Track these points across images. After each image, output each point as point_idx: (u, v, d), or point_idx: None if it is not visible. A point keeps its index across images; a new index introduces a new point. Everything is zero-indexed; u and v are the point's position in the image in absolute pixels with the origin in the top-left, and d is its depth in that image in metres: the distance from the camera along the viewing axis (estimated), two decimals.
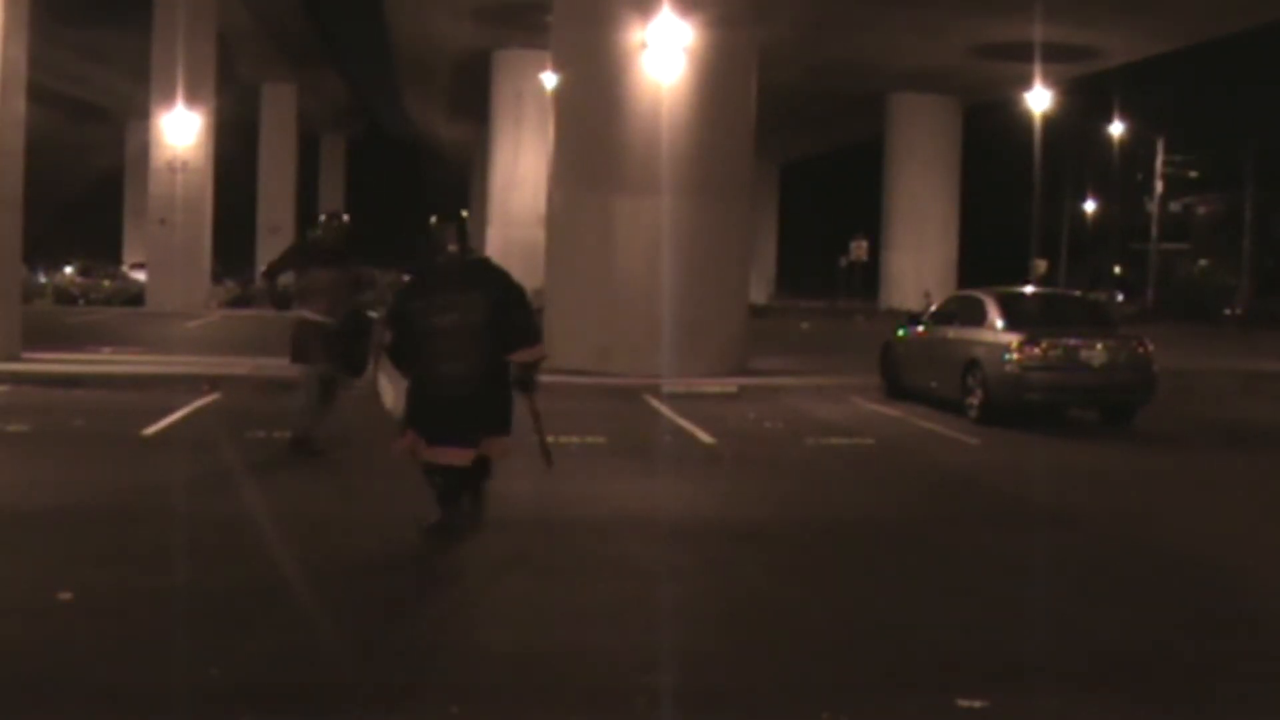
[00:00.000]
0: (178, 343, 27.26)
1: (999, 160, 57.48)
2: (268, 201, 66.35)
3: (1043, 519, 10.46)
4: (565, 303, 22.09)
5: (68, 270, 55.52)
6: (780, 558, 8.72)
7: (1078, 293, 30.19)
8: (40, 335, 23.92)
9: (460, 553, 8.49)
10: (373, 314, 11.77)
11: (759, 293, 56.20)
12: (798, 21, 35.30)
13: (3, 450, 12.84)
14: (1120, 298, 61.14)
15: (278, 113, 65.38)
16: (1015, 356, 16.08)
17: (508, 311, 8.56)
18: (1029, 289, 24.87)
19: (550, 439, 9.23)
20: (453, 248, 8.66)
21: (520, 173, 44.00)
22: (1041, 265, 51.19)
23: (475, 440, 8.56)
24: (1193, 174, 68.59)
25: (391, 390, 8.90)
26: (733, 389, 19.36)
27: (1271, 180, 59.85)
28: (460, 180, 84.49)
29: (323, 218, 13.17)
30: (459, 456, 8.54)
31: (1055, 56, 40.10)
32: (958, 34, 40.39)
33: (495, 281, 8.71)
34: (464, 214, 9.74)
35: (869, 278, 54.43)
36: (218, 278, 51.47)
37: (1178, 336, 32.14)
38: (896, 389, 19.06)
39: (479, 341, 8.48)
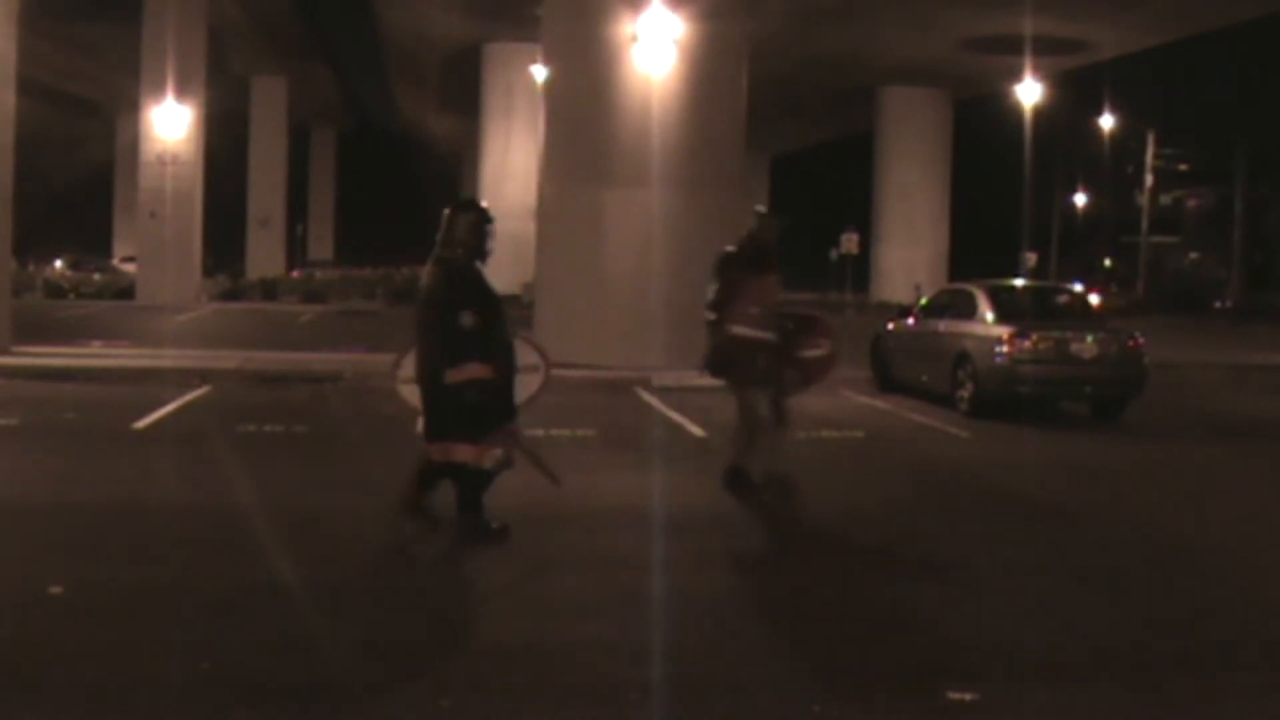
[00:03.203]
0: (168, 336, 27.20)
1: (990, 153, 57.54)
2: (258, 195, 66.20)
3: (1033, 512, 10.49)
4: (555, 296, 22.10)
5: (58, 264, 55.38)
6: (770, 550, 8.73)
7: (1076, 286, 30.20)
8: (30, 329, 23.90)
9: (451, 546, 8.49)
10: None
11: None
12: (788, 14, 35.27)
13: None
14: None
15: (268, 106, 65.23)
16: (1006, 349, 16.11)
17: None
18: (1020, 281, 24.90)
19: (541, 432, 9.21)
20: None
21: (510, 166, 43.98)
22: (1031, 258, 51.28)
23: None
24: (1183, 167, 68.75)
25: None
26: (723, 382, 19.33)
27: (1262, 174, 60.05)
28: (451, 173, 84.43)
29: (760, 209, 11.19)
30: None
31: (1045, 49, 40.12)
32: (948, 27, 40.39)
33: None
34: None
35: (860, 270, 54.41)
36: (209, 271, 51.42)
37: (1168, 329, 32.22)
38: (887, 382, 19.09)
39: None
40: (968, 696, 5.73)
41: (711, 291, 10.32)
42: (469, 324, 8.14)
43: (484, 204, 8.79)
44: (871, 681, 6.03)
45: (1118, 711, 5.71)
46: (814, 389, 11.21)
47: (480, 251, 8.47)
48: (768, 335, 10.07)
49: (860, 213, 53.66)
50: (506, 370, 8.43)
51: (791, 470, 10.13)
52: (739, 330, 10.09)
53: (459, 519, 8.54)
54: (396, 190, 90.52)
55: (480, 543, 8.41)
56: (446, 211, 8.57)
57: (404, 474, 8.61)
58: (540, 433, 13.94)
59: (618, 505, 10.14)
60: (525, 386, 9.19)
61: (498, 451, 8.34)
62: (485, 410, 8.22)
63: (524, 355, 9.23)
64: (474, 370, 8.13)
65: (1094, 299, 33.47)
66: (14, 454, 12.24)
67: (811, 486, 11.54)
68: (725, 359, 10.25)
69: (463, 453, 8.33)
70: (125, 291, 46.31)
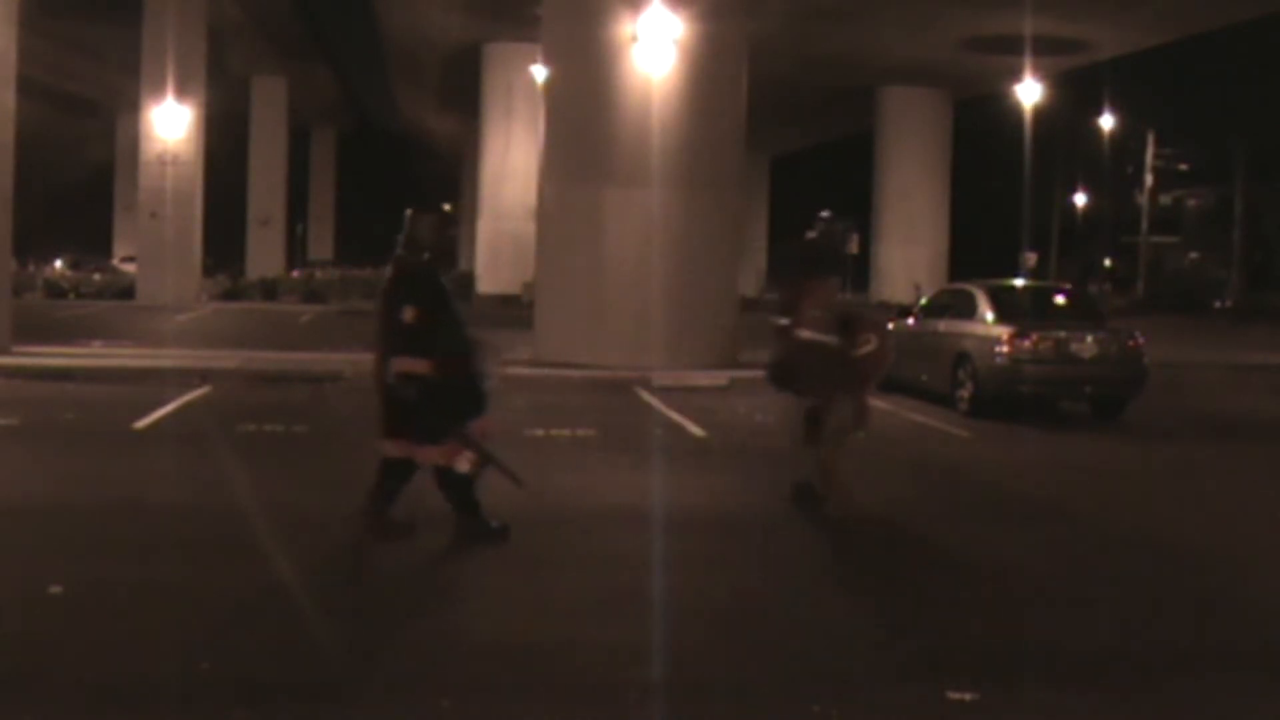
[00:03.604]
0: (168, 336, 27.22)
1: (989, 153, 57.53)
2: (258, 195, 66.25)
3: (1033, 511, 10.49)
4: (555, 296, 22.10)
5: (58, 264, 55.41)
6: (770, 551, 8.73)
7: (1067, 285, 30.19)
8: (31, 329, 23.90)
9: (451, 546, 8.49)
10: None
11: (749, 285, 56.21)
12: (788, 14, 35.24)
13: None
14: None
15: (268, 106, 65.24)
16: (1005, 349, 16.11)
17: None
18: (1019, 281, 24.89)
19: (542, 433, 9.19)
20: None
21: (510, 165, 43.95)
22: (1031, 258, 51.26)
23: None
24: (1183, 167, 68.75)
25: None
26: (723, 382, 19.37)
27: (1262, 173, 60.04)
28: (451, 173, 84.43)
29: (825, 213, 11.15)
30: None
31: (1045, 49, 40.08)
32: (948, 27, 40.35)
33: None
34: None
35: (860, 270, 54.41)
36: (209, 271, 51.44)
37: (1168, 329, 32.21)
38: (887, 382, 19.03)
39: None
40: (968, 696, 5.73)
41: (777, 298, 10.23)
42: (408, 319, 8.13)
43: (446, 207, 8.76)
44: (871, 681, 6.03)
45: (1118, 711, 5.71)
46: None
47: (441, 252, 8.49)
48: (831, 338, 9.88)
49: (860, 213, 53.65)
50: (460, 371, 8.33)
51: (811, 480, 10.03)
52: (807, 335, 9.88)
53: (458, 521, 8.52)
54: (397, 190, 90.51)
55: (481, 542, 8.40)
56: (408, 213, 8.61)
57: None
58: (541, 433, 13.98)
59: (618, 505, 10.14)
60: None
61: (469, 454, 8.27)
62: (428, 409, 8.15)
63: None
64: (409, 365, 8.10)
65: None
66: (14, 454, 12.24)
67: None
68: (793, 366, 10.04)
69: (428, 455, 8.30)
70: (125, 291, 46.35)
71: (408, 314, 8.15)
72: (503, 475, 8.52)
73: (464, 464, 8.29)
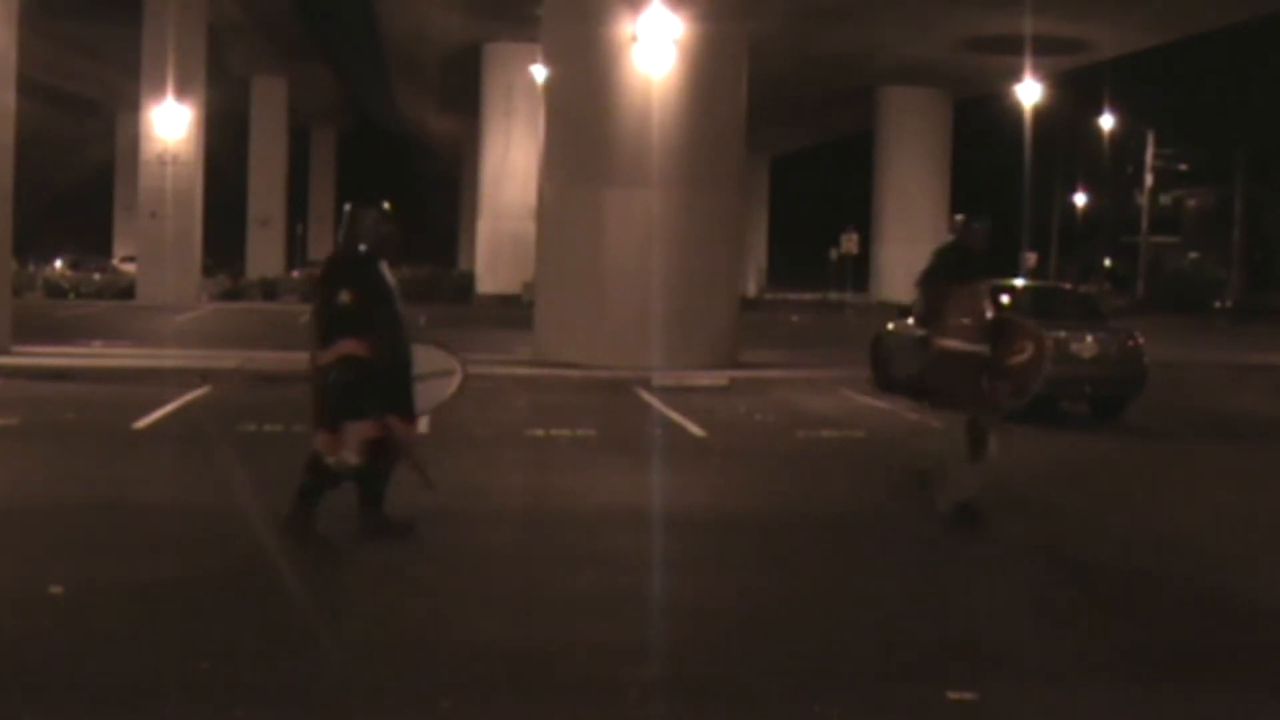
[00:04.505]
0: (168, 336, 27.22)
1: (989, 153, 57.49)
2: (258, 195, 66.26)
3: (1032, 511, 10.48)
4: (555, 295, 22.11)
5: (58, 264, 55.41)
6: (771, 551, 8.73)
7: (1067, 285, 30.22)
8: (31, 329, 23.89)
9: (451, 545, 8.48)
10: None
11: (749, 285, 56.24)
12: (788, 14, 35.27)
13: None
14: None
15: (268, 106, 65.25)
16: None
17: None
18: (1019, 281, 24.88)
19: (542, 433, 9.17)
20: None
21: (510, 165, 43.98)
22: (1031, 258, 51.26)
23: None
24: (1183, 167, 68.69)
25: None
26: (723, 382, 19.37)
27: (1261, 174, 60.02)
28: (451, 173, 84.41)
29: (960, 218, 10.20)
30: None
31: (1045, 49, 40.10)
32: (948, 27, 40.37)
33: None
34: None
35: (859, 270, 54.41)
36: (209, 271, 51.43)
37: (1168, 329, 32.21)
38: (887, 382, 19.07)
39: None
40: (968, 696, 5.73)
41: (917, 305, 9.74)
42: (345, 300, 8.09)
43: (385, 205, 8.72)
44: (872, 681, 6.03)
45: (1118, 711, 5.71)
46: (811, 389, 11.14)
47: (379, 247, 8.42)
48: (980, 348, 9.30)
49: (860, 213, 53.65)
50: (389, 360, 8.22)
51: (981, 499, 9.46)
52: (950, 344, 9.34)
53: (292, 511, 8.33)
54: (396, 190, 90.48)
55: (381, 539, 8.30)
56: (347, 208, 8.59)
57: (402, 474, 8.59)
58: (541, 433, 13.99)
59: (618, 505, 10.13)
60: (440, 390, 9.04)
61: (348, 454, 8.13)
62: (352, 393, 8.07)
63: (438, 361, 9.06)
64: (345, 347, 8.05)
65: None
66: (14, 454, 12.24)
67: (812, 486, 11.60)
68: (936, 378, 9.53)
69: (319, 441, 8.21)
70: (125, 291, 46.35)
71: (345, 296, 8.10)
72: (418, 475, 8.42)
73: (352, 457, 8.14)
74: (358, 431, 8.12)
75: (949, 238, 9.93)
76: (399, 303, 8.49)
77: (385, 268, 8.48)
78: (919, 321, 9.66)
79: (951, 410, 9.45)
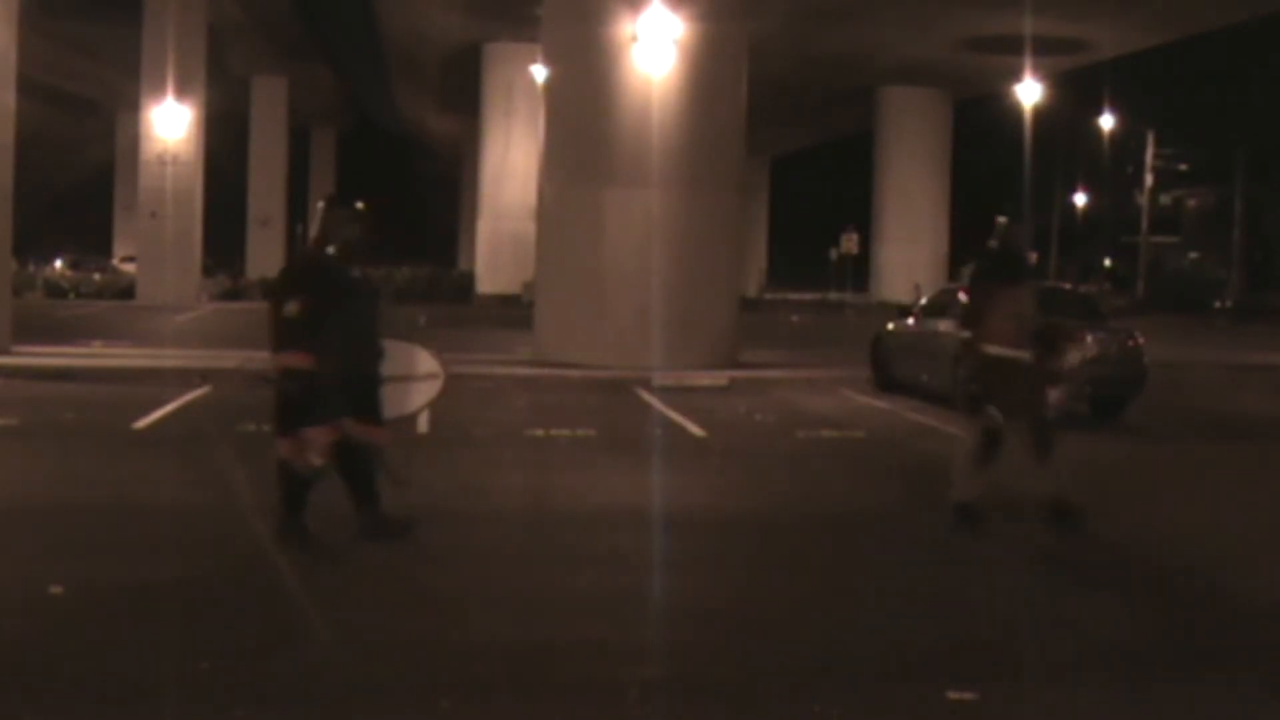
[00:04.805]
0: (169, 336, 27.21)
1: (989, 153, 57.50)
2: (258, 195, 66.25)
3: (1032, 511, 10.47)
4: (555, 295, 22.11)
5: (58, 264, 55.41)
6: (771, 551, 8.73)
7: (1067, 285, 30.22)
8: (31, 329, 23.89)
9: (451, 545, 8.48)
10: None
11: (749, 285, 56.19)
12: (788, 14, 35.26)
13: None
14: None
15: (268, 106, 65.23)
16: None
17: None
18: None
19: (542, 433, 9.18)
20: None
21: (510, 165, 43.96)
22: (1031, 258, 51.24)
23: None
24: (1182, 167, 68.69)
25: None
26: (723, 382, 19.38)
27: (1261, 174, 60.02)
28: (451, 173, 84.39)
29: (1001, 220, 10.02)
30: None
31: (1045, 49, 40.09)
32: (948, 27, 40.37)
33: None
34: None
35: (859, 270, 54.41)
36: (209, 271, 51.43)
37: (1168, 329, 32.21)
38: (887, 382, 19.09)
39: None
40: (968, 696, 5.73)
41: (961, 309, 9.65)
42: (291, 311, 7.93)
43: (358, 204, 8.56)
44: (872, 681, 6.03)
45: (1118, 711, 5.71)
46: (811, 389, 11.14)
47: (347, 247, 8.27)
48: (1025, 353, 9.25)
49: (860, 213, 53.65)
50: (339, 369, 8.01)
51: (1068, 495, 9.32)
52: (995, 350, 9.25)
53: (358, 518, 8.33)
54: (396, 190, 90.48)
55: (380, 539, 8.27)
56: (320, 205, 8.49)
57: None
58: (541, 433, 13.99)
59: (618, 504, 10.13)
60: (422, 393, 9.00)
61: (312, 456, 8.05)
62: (302, 402, 7.97)
63: (421, 362, 9.03)
64: (287, 359, 7.95)
65: None
66: (14, 454, 12.24)
67: (812, 486, 11.60)
68: (983, 384, 9.37)
69: (282, 447, 8.13)
70: (125, 291, 46.34)
71: (291, 307, 7.94)
72: (387, 474, 8.41)
73: (316, 459, 8.07)
74: (314, 436, 8.04)
75: (991, 243, 9.83)
76: (371, 305, 8.36)
77: (355, 270, 8.32)
78: (962, 324, 9.65)
79: (995, 415, 9.30)
